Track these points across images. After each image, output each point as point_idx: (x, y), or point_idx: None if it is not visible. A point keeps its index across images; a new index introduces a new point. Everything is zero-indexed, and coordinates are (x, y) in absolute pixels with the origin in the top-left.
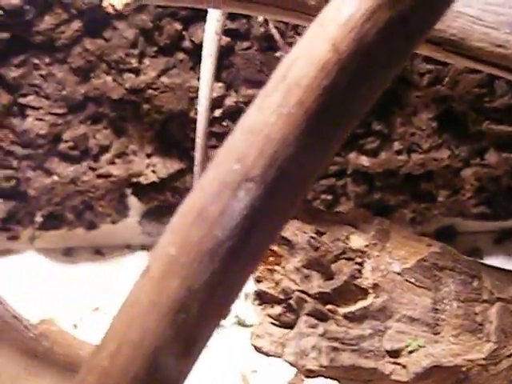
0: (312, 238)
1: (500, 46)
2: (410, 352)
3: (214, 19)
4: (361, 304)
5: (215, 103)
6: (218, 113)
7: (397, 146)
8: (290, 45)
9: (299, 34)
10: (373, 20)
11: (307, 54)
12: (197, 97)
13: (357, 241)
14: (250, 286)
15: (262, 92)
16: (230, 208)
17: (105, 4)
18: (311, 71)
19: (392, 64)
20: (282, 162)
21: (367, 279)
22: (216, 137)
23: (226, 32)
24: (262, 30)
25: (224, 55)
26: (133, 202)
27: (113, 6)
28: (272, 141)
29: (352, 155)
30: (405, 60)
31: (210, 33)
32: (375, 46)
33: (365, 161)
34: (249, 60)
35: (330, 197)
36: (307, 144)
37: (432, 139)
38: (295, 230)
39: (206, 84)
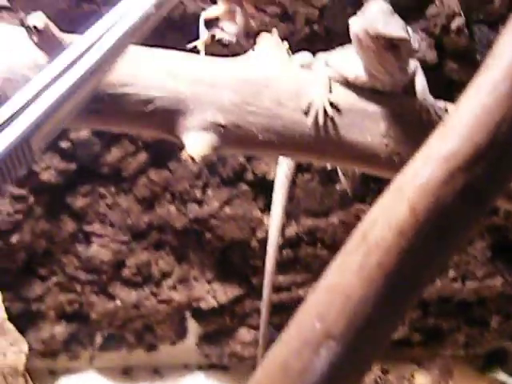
0: (378, 377)
1: None
2: None
3: (285, 165)
4: None
5: None
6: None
7: (452, 273)
8: None
9: None
10: (450, 184)
11: (386, 216)
12: (258, 226)
13: (422, 379)
14: None
15: (342, 251)
16: (311, 365)
17: (184, 156)
18: (390, 233)
19: (467, 225)
20: (361, 322)
21: None
22: (276, 265)
23: None
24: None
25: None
26: (192, 324)
27: (192, 158)
28: (352, 301)
29: None
30: (479, 220)
31: (281, 179)
32: (451, 209)
33: None
34: (309, 191)
35: None
36: (384, 305)
37: (486, 267)
38: None
39: (274, 233)
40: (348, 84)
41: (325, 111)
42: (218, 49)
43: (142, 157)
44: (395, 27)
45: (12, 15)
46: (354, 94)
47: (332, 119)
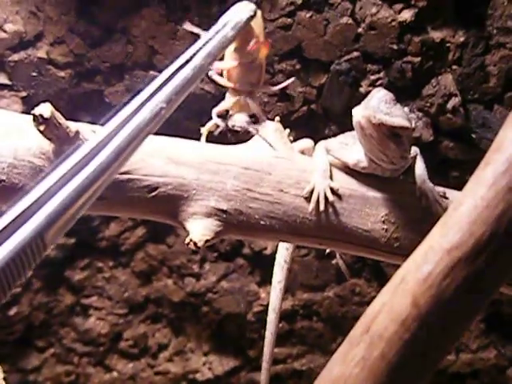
0: None
1: None
2: None
3: (284, 248)
4: None
5: None
6: None
7: None
8: None
9: None
10: (451, 276)
11: (389, 307)
12: (255, 300)
13: None
14: None
15: (345, 342)
16: None
17: (187, 241)
18: (393, 325)
19: (469, 315)
20: None
21: None
22: None
23: None
24: None
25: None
26: None
27: (195, 243)
28: None
29: None
30: (481, 310)
31: (279, 262)
32: (453, 301)
33: None
34: (306, 266)
35: None
36: None
37: (480, 340)
38: None
39: (274, 317)
40: (348, 170)
41: (325, 197)
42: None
43: (140, 231)
44: (397, 116)
45: (13, 93)
46: (354, 180)
47: (333, 205)
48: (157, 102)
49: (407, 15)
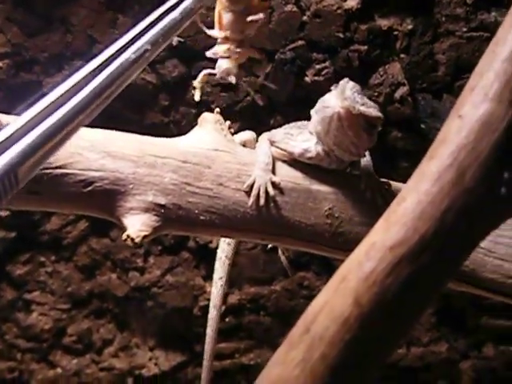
0: None
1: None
2: None
3: (226, 243)
4: None
5: None
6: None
7: None
8: None
9: None
10: (394, 274)
11: (330, 307)
12: (200, 294)
13: None
14: None
15: (285, 342)
16: None
17: (124, 237)
18: (334, 325)
19: (414, 313)
20: None
21: None
22: (219, 332)
23: None
24: None
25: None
26: None
27: (132, 239)
28: None
29: None
30: (427, 308)
31: (221, 257)
32: (397, 299)
33: None
34: (253, 259)
35: None
36: None
37: (431, 333)
38: None
39: (216, 303)
40: (292, 163)
41: (266, 191)
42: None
43: (83, 225)
44: (372, 107)
45: None
46: (297, 173)
47: (274, 199)
48: (142, 43)
49: (353, 3)
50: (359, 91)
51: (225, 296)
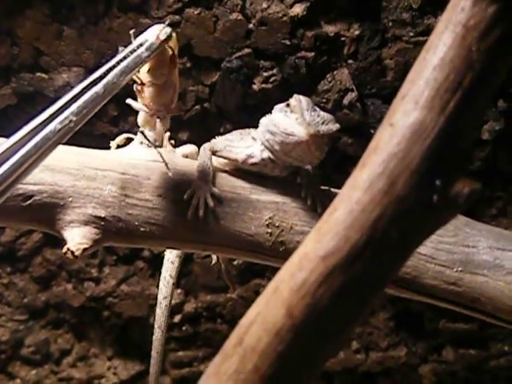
0: None
1: (453, 283)
2: None
3: (169, 262)
4: None
5: (175, 309)
6: (177, 318)
7: (355, 345)
8: None
9: None
10: (326, 284)
11: (262, 318)
12: (156, 303)
13: None
14: None
15: (219, 354)
16: None
17: (64, 250)
18: (266, 336)
19: (347, 323)
20: None
21: None
22: (176, 341)
23: None
24: None
25: (183, 263)
26: None
27: (72, 252)
28: None
29: None
30: (361, 316)
31: (165, 277)
32: (329, 310)
33: None
34: (207, 268)
35: None
36: None
37: (390, 338)
38: None
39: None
40: (232, 173)
41: (206, 202)
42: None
43: (36, 236)
44: (330, 120)
45: None
46: (237, 183)
47: (214, 210)
48: (67, 115)
49: (299, 9)
50: (312, 106)
51: (181, 305)
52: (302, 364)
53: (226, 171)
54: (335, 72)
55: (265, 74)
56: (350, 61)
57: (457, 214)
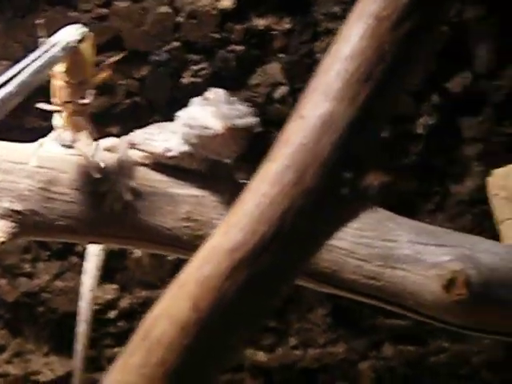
0: None
1: (373, 278)
2: None
3: (93, 255)
4: None
5: (110, 305)
6: (112, 314)
7: (293, 341)
8: None
9: None
10: (233, 278)
11: (169, 312)
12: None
13: None
14: None
15: (126, 348)
16: None
17: None
18: (172, 330)
19: (255, 317)
20: None
21: None
22: (111, 337)
23: None
24: None
25: (117, 258)
26: None
27: None
28: None
29: (249, 351)
30: (268, 310)
31: (88, 269)
32: (236, 303)
33: (262, 356)
34: (140, 263)
35: None
36: None
37: (327, 334)
38: None
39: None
40: (151, 166)
41: (123, 196)
42: None
43: None
44: (248, 113)
45: None
46: (156, 176)
47: (132, 204)
48: None
49: (228, 3)
50: (230, 100)
51: (116, 301)
52: (208, 358)
53: (144, 165)
54: (266, 66)
55: (194, 67)
56: (281, 54)
57: (368, 207)
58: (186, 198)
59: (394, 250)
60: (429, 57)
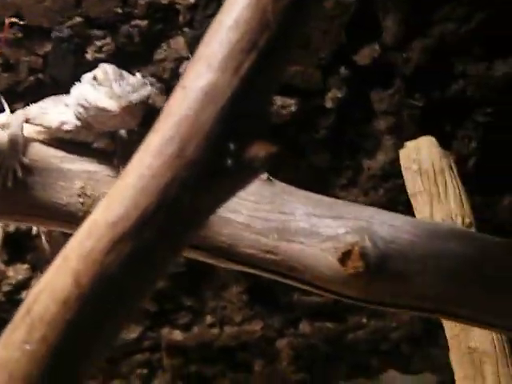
0: None
1: (269, 252)
2: None
3: None
4: None
5: (22, 285)
6: (25, 294)
7: (209, 319)
8: None
9: None
10: (115, 252)
11: (51, 287)
12: (2, 280)
13: None
14: None
15: (10, 324)
16: None
17: None
18: (54, 306)
19: (140, 291)
20: None
21: None
22: None
23: None
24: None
25: (28, 238)
26: None
27: None
28: (15, 378)
29: (165, 330)
30: (153, 285)
31: None
32: (119, 277)
33: (178, 335)
34: (54, 242)
35: (145, 371)
36: (53, 381)
37: (244, 311)
38: None
39: None
40: (44, 141)
41: (15, 172)
42: None
43: None
44: (142, 86)
45: None
46: (49, 152)
47: (24, 180)
48: None
49: None
50: (120, 74)
51: (28, 280)
52: (92, 333)
53: (39, 140)
54: (171, 40)
55: (98, 43)
56: (186, 29)
57: (254, 178)
58: (80, 174)
59: (290, 222)
60: (336, 29)
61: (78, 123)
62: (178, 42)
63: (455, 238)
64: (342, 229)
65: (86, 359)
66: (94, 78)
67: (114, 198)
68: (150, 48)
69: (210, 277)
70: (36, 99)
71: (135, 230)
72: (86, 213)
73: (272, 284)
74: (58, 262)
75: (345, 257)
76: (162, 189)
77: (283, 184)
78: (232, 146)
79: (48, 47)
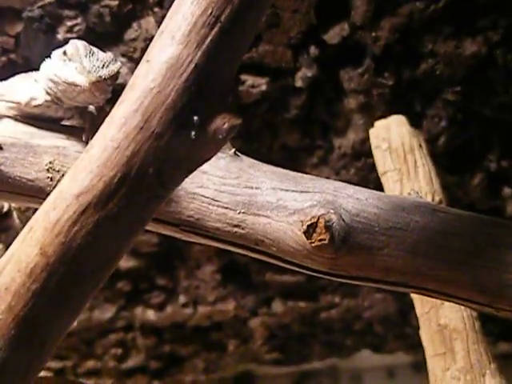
0: None
1: (236, 225)
2: None
3: None
4: None
5: None
6: None
7: (182, 299)
8: None
9: None
10: (80, 223)
11: (17, 258)
12: None
13: None
14: None
15: None
16: None
17: None
18: (20, 276)
19: (106, 262)
20: None
21: None
22: None
23: None
24: None
25: (1, 219)
26: None
27: None
28: None
29: (138, 310)
30: (121, 255)
31: None
32: (84, 248)
33: (151, 315)
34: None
35: (120, 350)
36: (19, 350)
37: (217, 291)
38: None
39: None
40: (14, 117)
41: None
42: None
43: None
44: (110, 60)
45: None
46: (18, 127)
47: None
48: None
49: None
50: (90, 50)
51: None
52: (58, 303)
53: (9, 117)
54: (141, 20)
55: (68, 23)
56: (156, 9)
57: (217, 150)
58: (48, 149)
59: (256, 196)
60: (305, 8)
61: (48, 98)
62: (149, 22)
63: (420, 211)
64: (308, 202)
65: (52, 328)
66: (64, 54)
67: (79, 169)
68: (121, 28)
69: (183, 256)
70: (7, 79)
71: (100, 201)
72: (55, 188)
73: (245, 263)
74: (23, 233)
75: (310, 229)
76: (125, 161)
77: (250, 159)
78: (196, 118)
79: (19, 28)
